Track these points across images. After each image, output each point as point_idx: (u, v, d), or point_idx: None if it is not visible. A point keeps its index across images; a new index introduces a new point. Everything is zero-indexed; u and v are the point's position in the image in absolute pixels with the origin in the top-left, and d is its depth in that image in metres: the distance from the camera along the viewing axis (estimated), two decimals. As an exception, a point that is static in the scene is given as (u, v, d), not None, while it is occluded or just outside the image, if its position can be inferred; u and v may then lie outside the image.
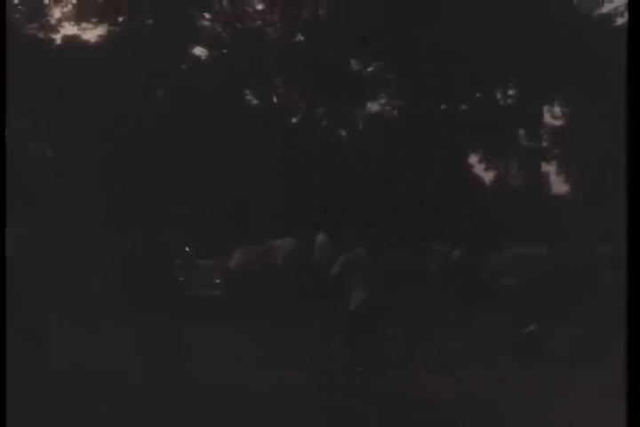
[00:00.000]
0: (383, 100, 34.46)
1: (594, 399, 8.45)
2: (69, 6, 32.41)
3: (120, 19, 32.52)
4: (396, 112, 34.20)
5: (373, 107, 34.57)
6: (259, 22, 33.32)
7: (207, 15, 33.59)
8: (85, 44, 32.29)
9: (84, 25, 32.57)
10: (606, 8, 31.44)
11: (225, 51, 33.60)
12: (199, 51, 33.63)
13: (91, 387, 9.05)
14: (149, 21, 32.08)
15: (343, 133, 34.87)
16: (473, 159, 35.01)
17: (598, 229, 22.97)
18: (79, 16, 32.39)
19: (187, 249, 17.27)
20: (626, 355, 5.01)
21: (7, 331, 6.67)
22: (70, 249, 20.90)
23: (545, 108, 34.22)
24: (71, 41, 32.06)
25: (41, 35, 32.26)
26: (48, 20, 32.59)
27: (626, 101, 5.36)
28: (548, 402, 8.49)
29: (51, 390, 8.27)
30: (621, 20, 31.53)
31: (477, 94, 34.11)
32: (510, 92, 34.31)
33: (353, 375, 9.75)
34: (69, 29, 32.69)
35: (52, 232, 19.53)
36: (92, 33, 32.92)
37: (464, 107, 33.69)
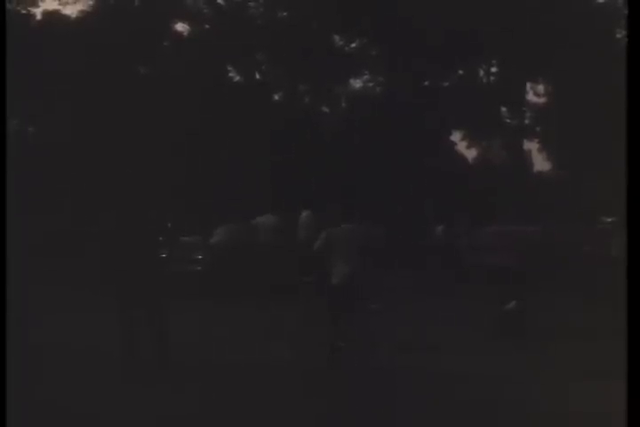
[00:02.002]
0: (366, 77, 34.39)
1: (570, 375, 8.54)
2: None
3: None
4: (379, 89, 34.12)
5: (356, 83, 34.50)
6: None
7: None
8: (66, 18, 32.05)
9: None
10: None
11: (207, 26, 33.38)
12: (181, 26, 33.47)
13: (73, 365, 9.05)
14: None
15: (326, 110, 34.78)
16: (456, 136, 35.08)
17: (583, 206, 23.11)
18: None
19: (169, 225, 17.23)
20: (626, 339, 5.08)
21: (7, 330, 6.64)
22: (52, 227, 20.86)
23: (528, 85, 34.25)
24: (52, 16, 31.78)
25: (21, 10, 31.90)
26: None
27: (626, 98, 5.39)
28: (534, 378, 8.56)
29: (32, 368, 8.25)
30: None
31: (460, 71, 34.07)
32: (493, 69, 34.32)
33: (334, 351, 9.78)
34: (50, 4, 32.45)
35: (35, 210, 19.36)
36: (72, 8, 32.70)
37: (446, 84, 33.63)
